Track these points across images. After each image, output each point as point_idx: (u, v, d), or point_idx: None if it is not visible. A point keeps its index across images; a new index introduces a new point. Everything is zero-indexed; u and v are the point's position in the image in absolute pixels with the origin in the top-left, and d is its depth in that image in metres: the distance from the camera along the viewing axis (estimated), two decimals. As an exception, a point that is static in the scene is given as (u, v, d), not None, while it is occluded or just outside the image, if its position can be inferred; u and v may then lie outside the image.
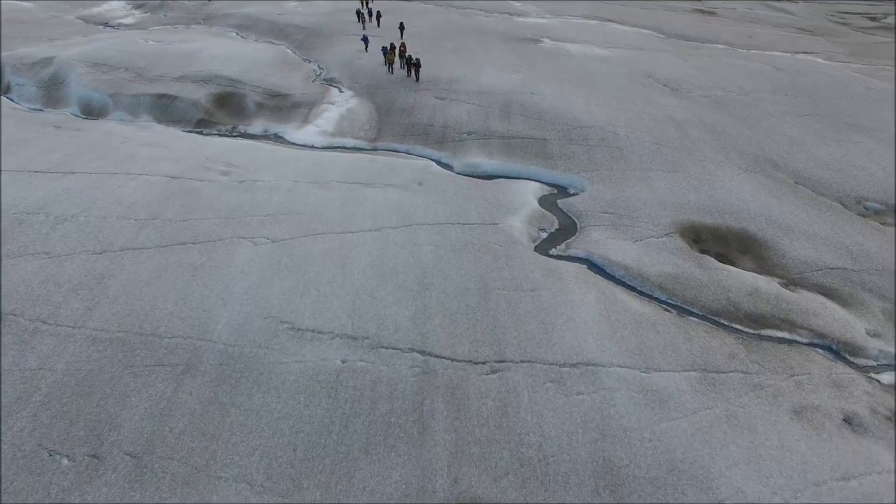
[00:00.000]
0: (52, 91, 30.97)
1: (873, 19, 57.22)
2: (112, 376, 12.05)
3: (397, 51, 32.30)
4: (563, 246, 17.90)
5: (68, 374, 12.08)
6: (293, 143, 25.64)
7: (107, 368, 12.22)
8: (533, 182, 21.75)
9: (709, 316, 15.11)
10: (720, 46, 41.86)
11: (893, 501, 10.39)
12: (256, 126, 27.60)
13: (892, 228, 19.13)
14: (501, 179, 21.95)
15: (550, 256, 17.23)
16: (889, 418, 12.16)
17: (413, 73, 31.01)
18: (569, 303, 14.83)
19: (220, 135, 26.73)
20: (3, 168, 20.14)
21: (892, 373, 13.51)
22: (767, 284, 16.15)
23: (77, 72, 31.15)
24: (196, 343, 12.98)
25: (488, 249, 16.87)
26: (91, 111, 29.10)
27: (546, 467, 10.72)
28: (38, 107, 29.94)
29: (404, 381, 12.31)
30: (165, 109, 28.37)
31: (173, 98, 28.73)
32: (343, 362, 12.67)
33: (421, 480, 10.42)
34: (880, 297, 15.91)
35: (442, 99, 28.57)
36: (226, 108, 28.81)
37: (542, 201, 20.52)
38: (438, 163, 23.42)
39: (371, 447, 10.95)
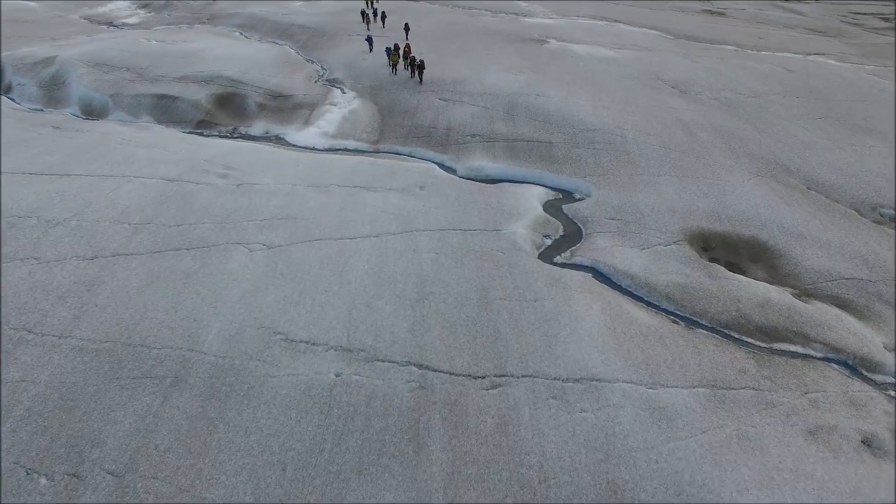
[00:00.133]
0: (53, 91, 30.67)
1: (886, 20, 56.29)
2: (97, 389, 11.60)
3: (401, 52, 31.83)
4: (567, 253, 17.37)
5: (51, 386, 11.64)
6: (294, 145, 25.23)
7: (92, 381, 11.77)
8: (537, 186, 21.22)
9: (718, 328, 14.55)
10: (730, 48, 41.18)
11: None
12: (257, 127, 27.20)
13: (909, 237, 18.51)
14: (505, 183, 21.44)
15: (555, 264, 16.69)
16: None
17: (417, 74, 30.51)
18: (573, 314, 14.29)
19: (220, 136, 26.34)
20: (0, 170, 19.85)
21: (912, 390, 12.93)
22: (779, 295, 15.56)
23: (78, 72, 30.84)
24: (185, 354, 12.52)
25: (490, 257, 16.36)
26: (91, 111, 28.77)
27: (547, 490, 10.20)
28: (38, 107, 29.65)
29: (400, 397, 11.81)
30: (166, 110, 28.01)
31: (174, 99, 28.37)
32: (337, 376, 12.18)
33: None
34: (898, 309, 15.32)
35: (446, 100, 28.07)
36: (227, 109, 28.42)
37: (547, 206, 19.99)
38: (441, 166, 22.93)
39: (364, 467, 10.46)
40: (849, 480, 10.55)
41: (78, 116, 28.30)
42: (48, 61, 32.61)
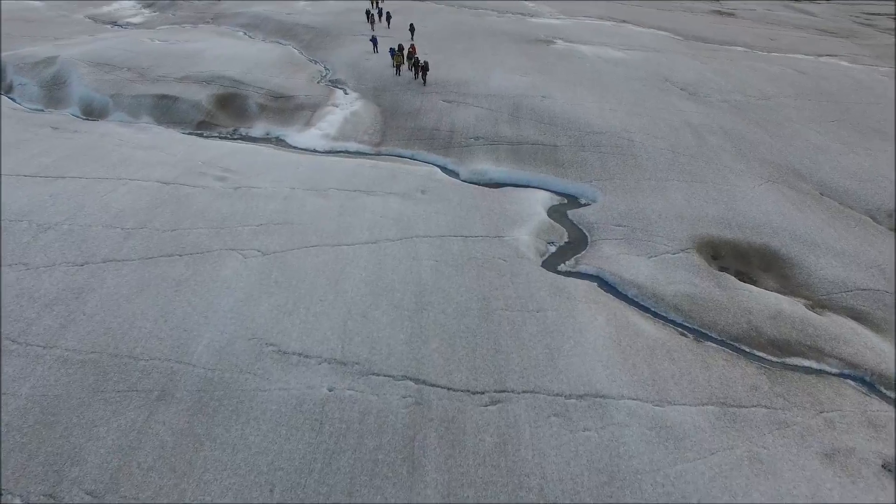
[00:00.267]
0: (53, 91, 30.35)
1: (899, 21, 55.38)
2: (80, 403, 11.16)
3: (405, 52, 31.34)
4: (572, 261, 16.82)
5: (33, 399, 11.21)
6: (295, 147, 24.78)
7: (75, 394, 11.33)
8: (542, 191, 20.67)
9: (728, 341, 13.97)
10: (739, 49, 40.45)
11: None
12: (258, 128, 26.78)
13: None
14: (509, 188, 20.91)
15: (559, 273, 16.16)
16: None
17: (420, 76, 30.00)
18: (577, 325, 13.75)
19: (220, 137, 25.93)
20: (-8, 172, 19.49)
21: (932, 409, 12.30)
22: (792, 306, 14.96)
23: (79, 72, 30.52)
24: (174, 366, 12.06)
25: (492, 265, 15.83)
26: (92, 112, 28.43)
27: (547, 516, 9.68)
28: (39, 107, 29.34)
29: (395, 413, 11.30)
30: (166, 111, 27.63)
31: (174, 99, 27.99)
32: (330, 391, 11.69)
33: (408, 529, 9.44)
34: (916, 322, 14.69)
35: (450, 102, 27.55)
36: (227, 110, 28.02)
37: (552, 212, 19.44)
38: (444, 169, 22.42)
39: (355, 489, 9.96)
40: (868, 508, 9.99)
41: (78, 117, 27.96)
42: (49, 61, 32.31)
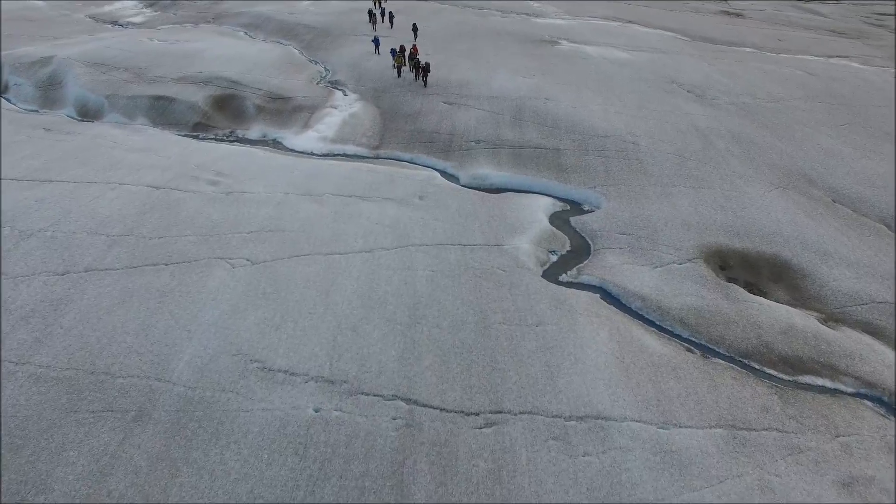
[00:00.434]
0: (49, 91, 29.85)
1: (911, 22, 54.41)
2: (51, 424, 10.57)
3: (406, 53, 30.71)
4: (574, 271, 16.16)
5: None
6: (291, 150, 24.17)
7: (46, 414, 10.74)
8: (544, 197, 20.00)
9: (737, 358, 13.31)
10: (748, 50, 39.66)
11: None
12: (255, 130, 26.20)
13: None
14: (510, 193, 20.26)
15: (560, 284, 15.50)
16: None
17: (421, 77, 29.37)
18: (578, 341, 13.09)
19: (215, 139, 25.37)
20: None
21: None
22: (804, 320, 14.27)
23: (75, 72, 30.02)
24: (152, 384, 11.46)
25: (490, 275, 15.19)
26: (87, 113, 27.92)
27: (544, 551, 9.04)
28: (34, 108, 28.84)
29: (384, 437, 10.68)
30: (162, 112, 27.10)
31: (171, 100, 27.45)
32: (316, 411, 11.07)
33: (394, 565, 8.82)
34: (936, 338, 13.96)
35: (451, 104, 26.91)
36: (224, 111, 27.46)
37: (554, 219, 18.78)
38: (443, 173, 21.78)
39: (339, 520, 9.35)
40: (888, 545, 9.31)
41: (73, 118, 27.44)
42: (45, 61, 31.82)
